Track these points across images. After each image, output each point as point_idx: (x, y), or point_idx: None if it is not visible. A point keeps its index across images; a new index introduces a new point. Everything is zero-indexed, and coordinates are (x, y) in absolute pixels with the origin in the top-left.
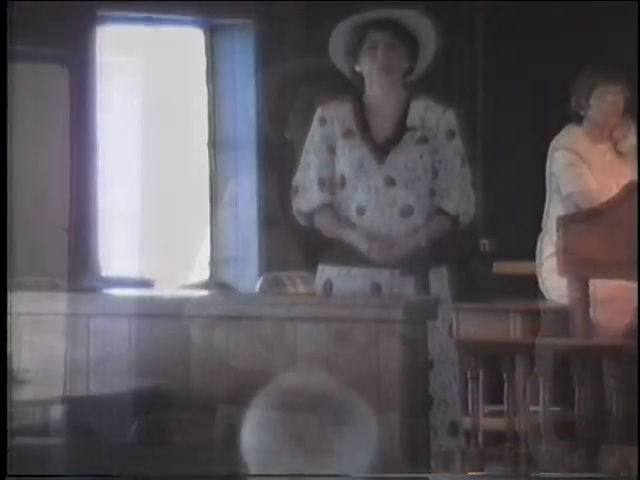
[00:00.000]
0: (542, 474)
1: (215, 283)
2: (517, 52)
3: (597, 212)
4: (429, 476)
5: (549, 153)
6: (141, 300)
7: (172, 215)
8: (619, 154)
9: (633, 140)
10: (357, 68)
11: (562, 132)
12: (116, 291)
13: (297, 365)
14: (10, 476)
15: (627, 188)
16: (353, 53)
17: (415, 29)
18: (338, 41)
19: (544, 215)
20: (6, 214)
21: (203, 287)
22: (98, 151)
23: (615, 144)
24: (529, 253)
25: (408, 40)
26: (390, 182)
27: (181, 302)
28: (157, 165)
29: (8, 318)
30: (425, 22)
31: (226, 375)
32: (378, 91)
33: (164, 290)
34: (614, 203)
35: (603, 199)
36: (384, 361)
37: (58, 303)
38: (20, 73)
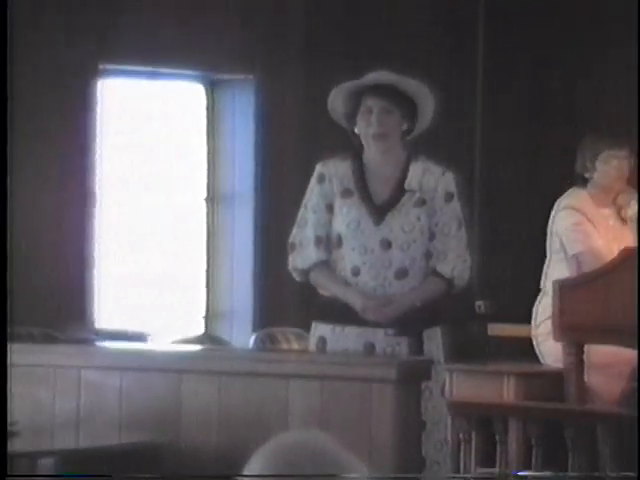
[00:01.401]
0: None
1: (209, 338)
2: (516, 115)
3: (594, 276)
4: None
5: (552, 213)
6: (133, 353)
7: (168, 269)
8: (622, 220)
9: (635, 208)
10: (356, 130)
11: (567, 193)
12: (109, 344)
13: (289, 423)
14: (10, 476)
15: (624, 254)
16: (350, 116)
17: (412, 93)
18: (336, 104)
19: (543, 277)
20: (6, 263)
21: (197, 342)
22: (96, 204)
23: (619, 210)
24: (524, 316)
25: (405, 104)
26: (386, 244)
27: (174, 356)
28: (155, 218)
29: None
30: (422, 86)
31: (217, 431)
32: (376, 154)
33: (157, 344)
34: (611, 268)
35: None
36: (377, 421)
37: (49, 355)
38: (20, 122)
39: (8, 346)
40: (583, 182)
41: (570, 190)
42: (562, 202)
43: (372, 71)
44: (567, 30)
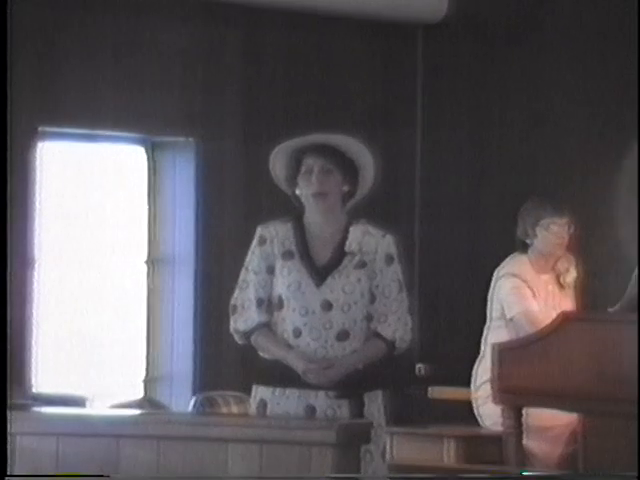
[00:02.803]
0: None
1: (148, 402)
2: (456, 177)
3: (532, 340)
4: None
5: (493, 281)
6: (70, 418)
7: (107, 332)
8: (561, 286)
9: (574, 273)
10: (297, 191)
11: (507, 260)
12: (45, 409)
13: None
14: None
15: (561, 317)
16: (291, 177)
17: (352, 154)
18: (277, 164)
19: (482, 341)
20: None
21: (136, 406)
22: (35, 266)
23: (558, 276)
24: (464, 379)
25: (345, 165)
26: (327, 306)
27: (112, 421)
28: (95, 281)
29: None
30: (362, 147)
31: None
32: (316, 215)
33: (95, 408)
34: (549, 332)
35: (543, 325)
36: None
37: None
38: None
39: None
40: (524, 247)
41: (510, 256)
42: (502, 269)
43: (312, 132)
44: (508, 90)
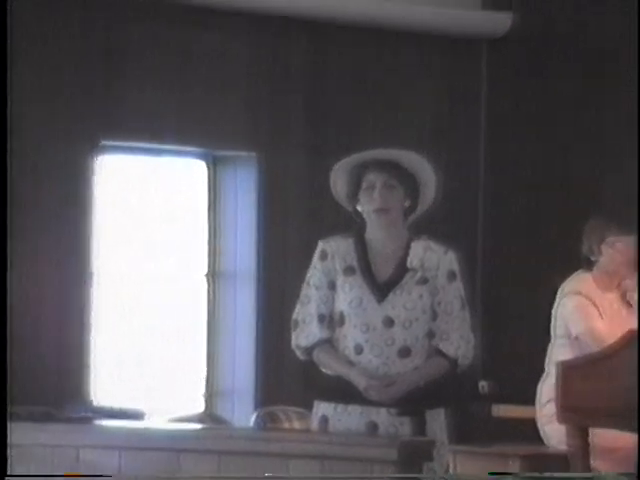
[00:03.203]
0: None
1: (209, 416)
2: (519, 193)
3: (597, 359)
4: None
5: (557, 298)
6: (132, 432)
7: (168, 345)
8: (627, 304)
9: None
10: (358, 207)
11: (572, 277)
12: (107, 422)
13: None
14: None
15: (626, 337)
16: (353, 193)
17: (414, 169)
18: (338, 180)
19: (547, 359)
20: (6, 341)
21: (197, 420)
22: (94, 281)
23: (623, 294)
24: (528, 397)
25: (407, 180)
26: (389, 322)
27: (172, 435)
28: (155, 295)
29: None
30: (424, 163)
31: None
32: (378, 231)
33: (156, 422)
34: (615, 351)
35: (608, 343)
36: None
37: (47, 434)
38: (19, 197)
39: (8, 425)
40: (589, 265)
41: (575, 274)
42: (567, 287)
43: (374, 147)
44: (571, 107)
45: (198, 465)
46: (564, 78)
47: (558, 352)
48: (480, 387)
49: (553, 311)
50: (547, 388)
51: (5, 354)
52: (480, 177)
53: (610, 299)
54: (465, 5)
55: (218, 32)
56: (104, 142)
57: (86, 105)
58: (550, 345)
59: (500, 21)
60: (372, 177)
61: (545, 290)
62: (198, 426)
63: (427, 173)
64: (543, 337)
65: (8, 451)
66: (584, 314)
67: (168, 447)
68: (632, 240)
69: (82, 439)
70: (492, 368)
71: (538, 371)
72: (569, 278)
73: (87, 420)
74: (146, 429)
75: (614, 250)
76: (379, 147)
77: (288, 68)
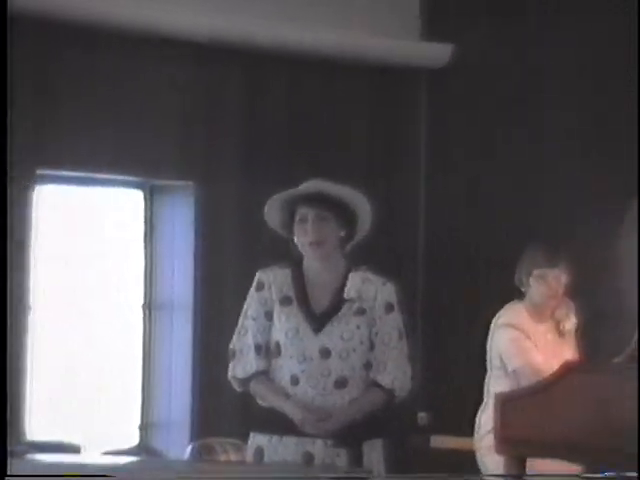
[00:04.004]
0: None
1: (144, 449)
2: (459, 227)
3: (535, 390)
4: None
5: (491, 330)
6: (65, 466)
7: (104, 377)
8: (560, 334)
9: (574, 320)
10: (294, 239)
11: (505, 308)
12: (39, 456)
13: None
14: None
15: (564, 367)
16: (287, 226)
17: (346, 199)
18: (271, 214)
19: (485, 390)
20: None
21: (131, 453)
22: (30, 313)
23: (557, 324)
24: (468, 428)
25: (340, 210)
26: (325, 353)
27: (107, 468)
28: (91, 326)
29: None
30: (355, 193)
31: None
32: (314, 262)
33: (90, 456)
34: (553, 381)
35: (545, 375)
36: None
37: None
38: None
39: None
40: (520, 295)
41: (507, 305)
42: (500, 319)
43: (309, 178)
44: (510, 137)
45: None
46: (503, 108)
47: (495, 384)
48: (419, 418)
49: (487, 344)
50: (485, 419)
51: (5, 355)
52: (420, 208)
53: (543, 330)
54: (404, 36)
55: (153, 61)
56: (41, 171)
57: (22, 134)
58: (487, 377)
59: (439, 52)
60: (304, 210)
61: (484, 321)
62: (132, 458)
63: (360, 202)
64: (482, 368)
65: None
66: (519, 349)
67: None
68: (558, 273)
69: (16, 472)
70: (431, 399)
71: (477, 402)
72: (502, 310)
73: (20, 454)
74: (79, 463)
75: (540, 284)
76: (314, 178)
77: (223, 97)
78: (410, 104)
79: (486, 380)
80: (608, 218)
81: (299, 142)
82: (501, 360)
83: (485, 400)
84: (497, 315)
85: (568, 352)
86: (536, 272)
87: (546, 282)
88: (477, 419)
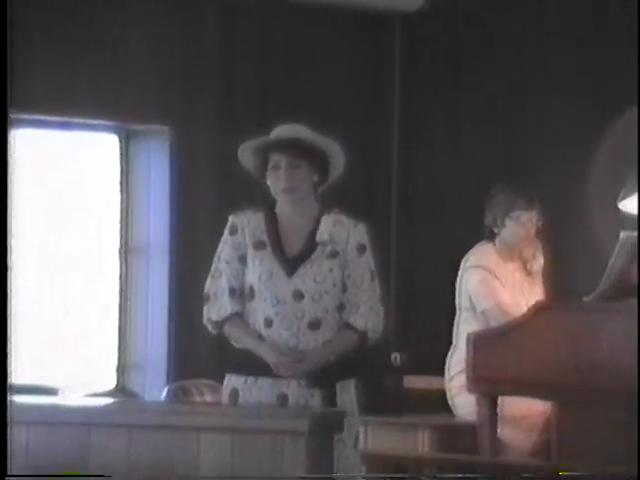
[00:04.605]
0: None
1: (121, 391)
2: (432, 169)
3: (506, 330)
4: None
5: (460, 272)
6: (41, 408)
7: (80, 320)
8: (528, 273)
9: (541, 260)
10: (268, 183)
11: (473, 250)
12: (16, 398)
13: (200, 476)
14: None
15: (535, 307)
16: (260, 171)
17: (318, 145)
18: (245, 159)
19: (454, 331)
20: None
21: (108, 395)
22: (8, 255)
23: (525, 263)
24: (441, 368)
25: (313, 157)
26: (299, 295)
27: (83, 410)
28: (68, 270)
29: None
30: (326, 138)
31: None
32: (287, 207)
33: (67, 398)
34: (523, 321)
35: (514, 315)
36: (288, 474)
37: None
38: None
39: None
40: (490, 236)
41: (476, 246)
42: (468, 260)
43: (285, 123)
44: (483, 81)
45: (109, 439)
46: (475, 52)
47: (464, 325)
48: (393, 359)
49: (457, 284)
50: (455, 361)
51: (5, 354)
52: (393, 150)
53: (512, 269)
54: None
55: (131, 6)
56: (14, 115)
57: None
58: (456, 318)
59: None
60: (277, 157)
61: (456, 262)
62: (109, 400)
63: (332, 147)
64: (455, 309)
65: None
66: (488, 289)
67: (78, 421)
68: (534, 214)
69: None
70: (405, 340)
71: (450, 343)
72: (471, 251)
73: None
74: (55, 404)
75: (517, 224)
76: (287, 123)
77: (199, 42)
78: (384, 48)
79: (455, 321)
80: (580, 158)
81: (273, 87)
82: (470, 301)
83: (454, 342)
84: (465, 257)
85: (536, 291)
86: (515, 213)
87: (522, 223)
88: (447, 361)
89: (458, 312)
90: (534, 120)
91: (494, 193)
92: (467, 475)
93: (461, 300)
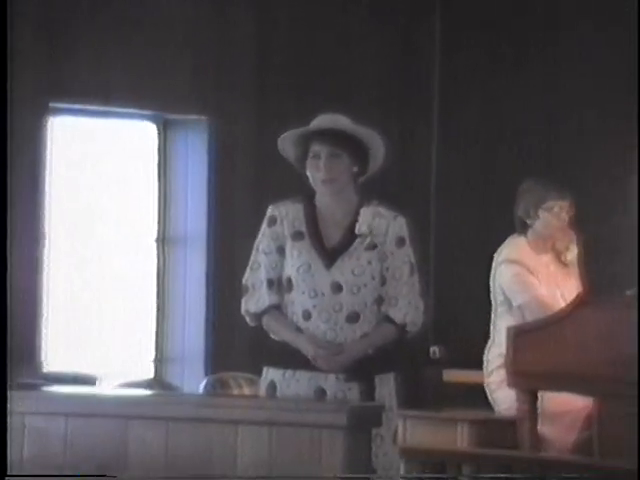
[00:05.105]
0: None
1: (159, 383)
2: (471, 162)
3: (546, 324)
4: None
5: (493, 266)
6: (79, 398)
7: (118, 311)
8: (563, 265)
9: (575, 250)
10: (307, 173)
11: (505, 243)
12: (54, 388)
13: (237, 469)
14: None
15: (575, 301)
16: (300, 161)
17: (359, 135)
18: (285, 149)
19: (491, 326)
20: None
21: (146, 386)
22: (45, 243)
23: (558, 255)
24: (480, 362)
25: (353, 147)
26: (337, 288)
27: (120, 401)
28: (105, 259)
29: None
30: (368, 129)
31: (164, 478)
32: (326, 198)
33: (104, 388)
34: (563, 315)
35: (551, 308)
36: (326, 467)
37: None
38: None
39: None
40: (523, 227)
41: (508, 239)
42: (501, 254)
43: (323, 112)
44: (519, 83)
45: (146, 431)
46: (519, 32)
47: (502, 319)
48: (432, 352)
49: (490, 280)
50: (492, 356)
51: (5, 353)
52: (433, 142)
53: (545, 261)
54: None
55: None
56: (53, 104)
57: (34, 66)
58: (493, 312)
59: None
60: (317, 147)
61: (493, 255)
62: (147, 392)
63: (373, 138)
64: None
65: None
66: (522, 284)
67: (116, 413)
68: (568, 204)
69: (29, 405)
70: (444, 333)
71: (489, 337)
72: (503, 244)
73: (35, 386)
74: (94, 395)
75: (551, 214)
76: (327, 113)
77: (238, 33)
78: (423, 34)
79: (492, 316)
80: (617, 153)
81: (312, 77)
82: (505, 296)
83: (492, 336)
84: (498, 251)
85: (571, 282)
86: (548, 204)
87: (555, 214)
88: (485, 355)
89: (494, 307)
90: (571, 111)
91: (526, 185)
92: (506, 475)
93: (496, 295)
